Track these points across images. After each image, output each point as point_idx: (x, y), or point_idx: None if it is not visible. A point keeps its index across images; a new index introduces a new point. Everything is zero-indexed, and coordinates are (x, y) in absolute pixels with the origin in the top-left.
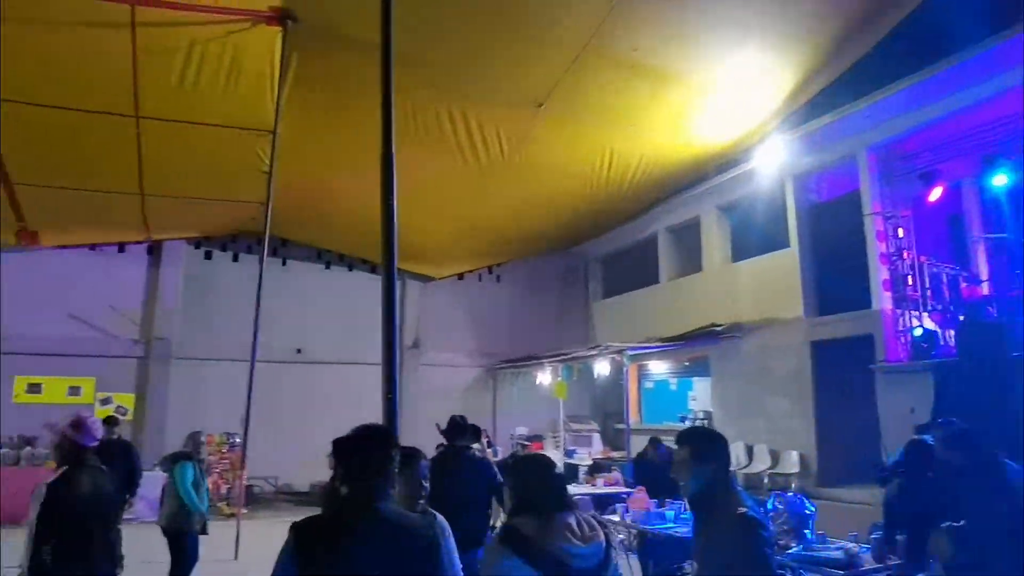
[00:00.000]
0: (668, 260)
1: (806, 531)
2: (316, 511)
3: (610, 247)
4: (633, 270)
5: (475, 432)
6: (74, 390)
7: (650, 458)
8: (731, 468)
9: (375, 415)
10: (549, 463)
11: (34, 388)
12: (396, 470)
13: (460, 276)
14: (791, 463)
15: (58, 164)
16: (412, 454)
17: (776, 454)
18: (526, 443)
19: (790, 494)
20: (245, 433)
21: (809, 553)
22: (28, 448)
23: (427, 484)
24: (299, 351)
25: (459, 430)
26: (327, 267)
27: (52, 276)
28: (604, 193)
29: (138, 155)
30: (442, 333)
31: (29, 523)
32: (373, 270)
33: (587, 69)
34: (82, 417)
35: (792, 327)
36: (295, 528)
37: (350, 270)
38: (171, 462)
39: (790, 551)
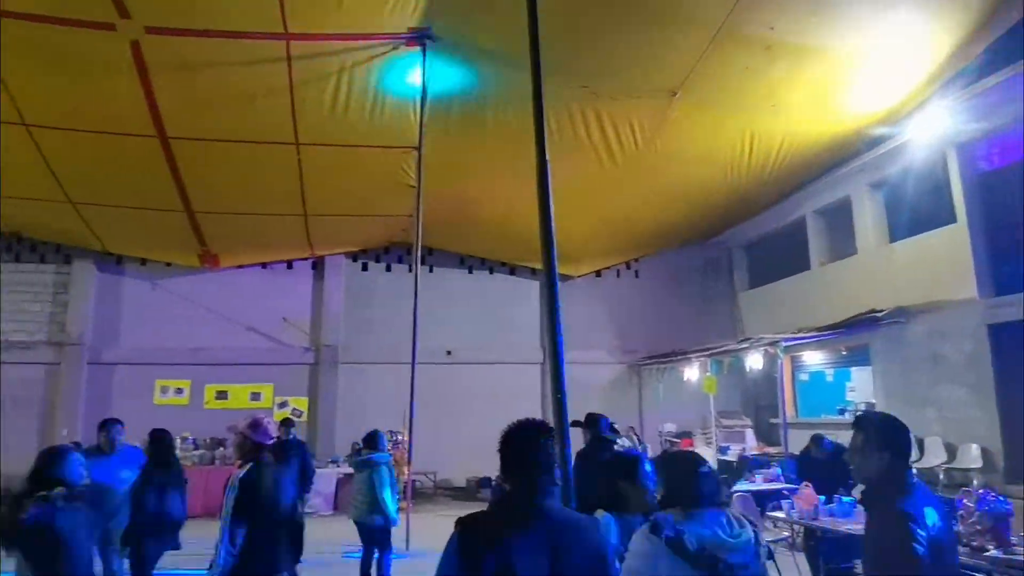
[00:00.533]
0: (818, 244)
1: (1007, 532)
2: (474, 506)
3: (753, 234)
4: (780, 257)
5: (611, 428)
6: (255, 395)
7: (814, 454)
8: (910, 459)
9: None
10: (698, 460)
11: (221, 395)
12: (556, 465)
13: (598, 273)
14: (971, 457)
15: (232, 193)
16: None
17: (952, 447)
18: (675, 440)
19: (982, 491)
20: (410, 432)
21: (1012, 557)
22: (220, 449)
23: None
24: (449, 352)
25: (594, 421)
26: (469, 272)
27: (232, 294)
28: (745, 178)
29: (300, 179)
30: (582, 331)
31: (224, 513)
32: (512, 272)
33: (722, 53)
34: (258, 418)
35: (965, 309)
36: (460, 524)
37: (491, 273)
38: (368, 466)
39: (987, 553)
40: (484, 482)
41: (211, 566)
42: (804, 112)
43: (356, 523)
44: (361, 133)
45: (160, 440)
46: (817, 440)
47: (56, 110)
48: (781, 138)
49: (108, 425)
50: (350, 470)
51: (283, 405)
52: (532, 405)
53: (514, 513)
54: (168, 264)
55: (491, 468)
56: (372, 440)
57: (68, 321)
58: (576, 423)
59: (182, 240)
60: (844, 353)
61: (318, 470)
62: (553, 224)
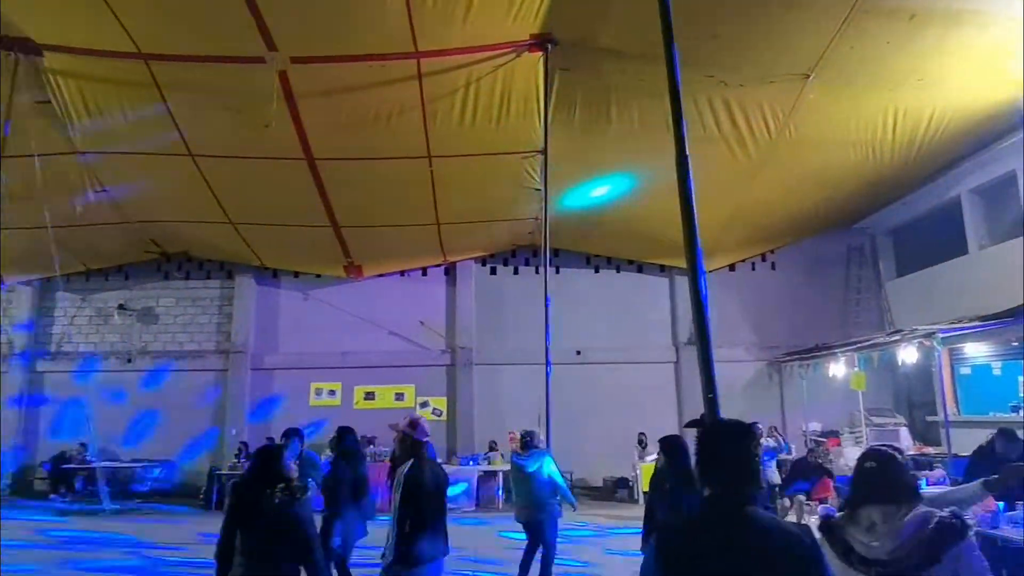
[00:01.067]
0: (977, 226)
1: None
2: (614, 506)
3: (900, 218)
4: (931, 241)
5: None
6: (399, 396)
7: (999, 452)
8: None
9: (655, 412)
10: (869, 455)
11: (369, 396)
12: (759, 469)
13: (731, 267)
14: None
15: (372, 207)
16: None
17: None
18: (820, 440)
19: None
20: (547, 431)
21: None
22: (371, 447)
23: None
24: (579, 353)
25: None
26: (596, 271)
27: (374, 301)
28: (889, 159)
29: (432, 190)
30: (718, 328)
31: (394, 507)
32: (640, 270)
33: (859, 28)
34: (417, 417)
35: None
36: (660, 530)
37: (618, 272)
38: (530, 463)
39: None
40: (621, 482)
41: (384, 554)
42: (957, 83)
43: (520, 521)
44: (488, 141)
45: (347, 436)
46: (1008, 435)
47: (217, 141)
48: (930, 113)
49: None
50: (491, 468)
51: (424, 405)
52: (666, 405)
53: (718, 521)
54: (318, 276)
55: (626, 468)
56: (529, 439)
57: (233, 331)
58: (692, 423)
59: (329, 253)
60: (1015, 344)
61: (459, 468)
62: (696, 219)
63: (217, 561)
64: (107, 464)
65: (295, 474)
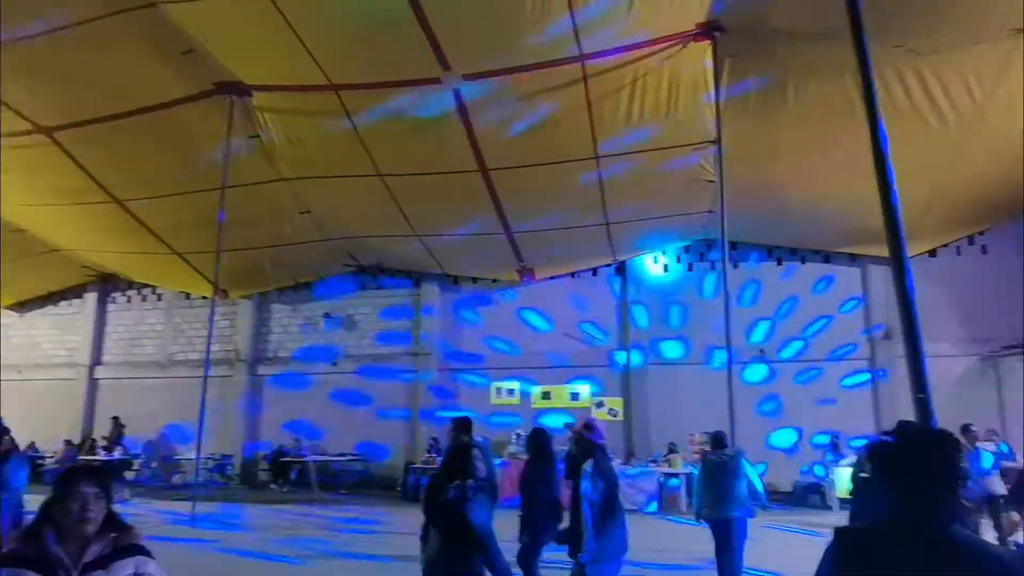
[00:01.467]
0: None
1: None
2: (806, 513)
3: None
4: None
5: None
6: (574, 395)
7: None
8: None
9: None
10: None
11: (546, 395)
12: (960, 482)
13: (932, 253)
14: None
15: (542, 210)
16: None
17: None
18: None
19: None
20: (732, 434)
21: None
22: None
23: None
24: (761, 351)
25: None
26: (778, 263)
27: (547, 302)
28: None
29: (600, 191)
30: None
31: (578, 504)
32: (827, 260)
33: None
34: (592, 419)
35: None
36: (839, 536)
37: (803, 263)
38: (723, 462)
39: None
40: (810, 487)
41: (581, 549)
42: None
43: (707, 520)
44: (656, 137)
45: (540, 435)
46: None
47: (401, 159)
48: None
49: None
50: (672, 470)
51: (599, 405)
52: (861, 404)
53: (907, 537)
54: (494, 280)
55: (817, 472)
56: (719, 439)
57: (421, 335)
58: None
59: (503, 258)
60: None
61: (636, 468)
62: (897, 201)
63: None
64: (317, 458)
65: (481, 471)
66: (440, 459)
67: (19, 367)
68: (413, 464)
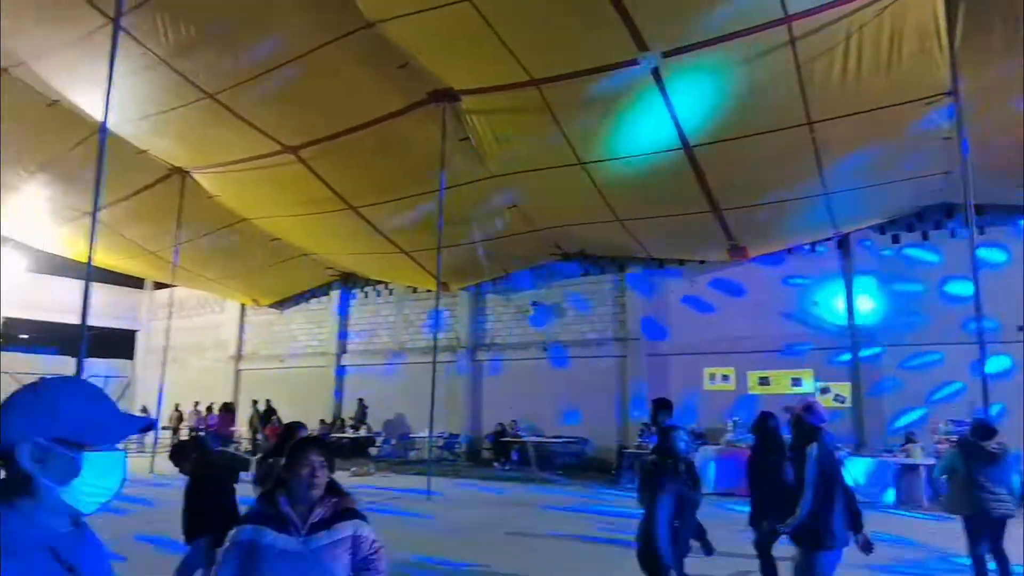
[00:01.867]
0: None
1: None
2: None
3: None
4: None
5: None
6: (796, 381)
7: None
8: None
9: None
10: None
11: (763, 381)
12: None
13: None
14: None
15: (752, 185)
16: None
17: None
18: None
19: None
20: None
21: None
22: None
23: None
24: (1021, 328)
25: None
26: None
27: (761, 282)
28: None
29: (816, 159)
30: None
31: (806, 482)
32: None
33: None
34: (812, 401)
35: None
36: None
37: None
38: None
39: None
40: None
41: (789, 521)
42: None
43: (964, 513)
44: (877, 94)
45: (768, 420)
46: None
47: (601, 147)
48: None
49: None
50: (911, 460)
51: (824, 391)
52: None
53: None
54: (701, 262)
55: None
56: (985, 428)
57: (627, 320)
58: None
59: (711, 238)
60: None
61: (867, 459)
62: None
63: None
64: (535, 439)
65: (681, 449)
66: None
67: (282, 356)
68: (626, 448)
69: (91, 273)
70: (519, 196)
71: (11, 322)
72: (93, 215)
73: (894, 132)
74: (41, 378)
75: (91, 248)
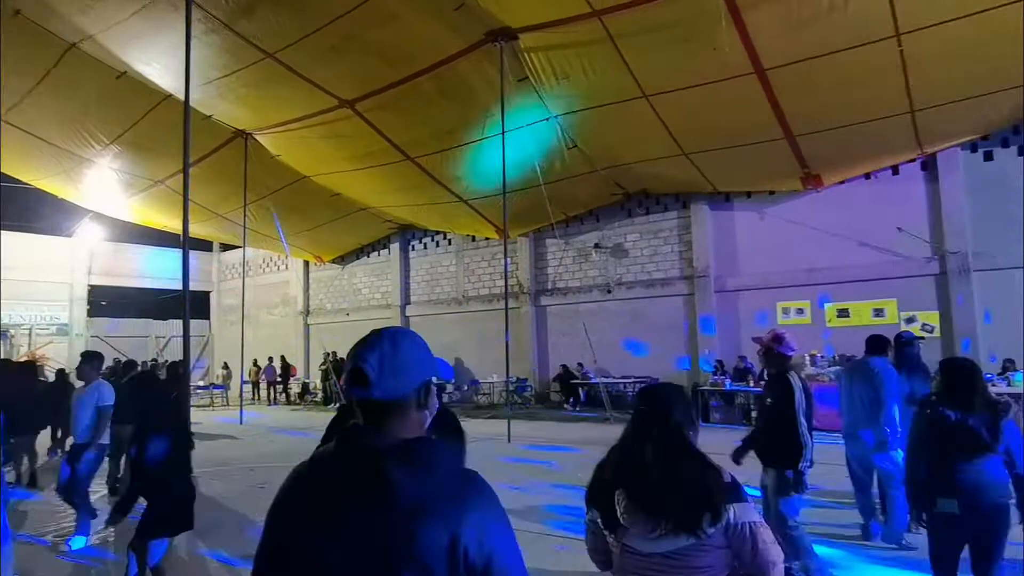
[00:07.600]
0: None
1: None
2: None
3: None
4: None
5: None
6: (878, 312)
7: None
8: None
9: None
10: None
11: (843, 313)
12: None
13: None
14: None
15: (829, 109)
16: None
17: None
18: None
19: None
20: None
21: None
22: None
23: None
24: None
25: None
26: None
27: (838, 210)
28: None
29: (904, 74)
30: None
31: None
32: None
33: None
34: (780, 332)
35: None
36: None
37: None
38: None
39: None
40: None
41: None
42: None
43: None
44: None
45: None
46: None
47: (668, 77)
48: None
49: None
50: (1012, 390)
51: (910, 320)
52: None
53: None
54: (771, 192)
55: None
56: None
57: (694, 257)
58: None
59: (783, 166)
60: None
61: None
62: None
63: None
64: (604, 380)
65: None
66: (727, 380)
67: (347, 310)
68: (701, 386)
69: (187, 240)
70: (579, 136)
71: (93, 289)
72: (184, 183)
73: (990, 40)
74: (394, 327)
75: (185, 219)
